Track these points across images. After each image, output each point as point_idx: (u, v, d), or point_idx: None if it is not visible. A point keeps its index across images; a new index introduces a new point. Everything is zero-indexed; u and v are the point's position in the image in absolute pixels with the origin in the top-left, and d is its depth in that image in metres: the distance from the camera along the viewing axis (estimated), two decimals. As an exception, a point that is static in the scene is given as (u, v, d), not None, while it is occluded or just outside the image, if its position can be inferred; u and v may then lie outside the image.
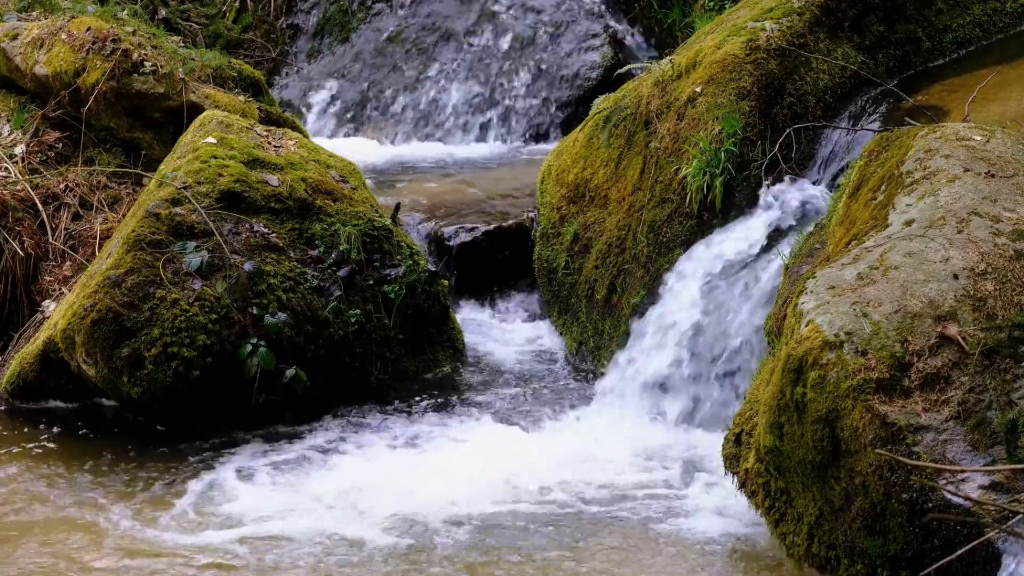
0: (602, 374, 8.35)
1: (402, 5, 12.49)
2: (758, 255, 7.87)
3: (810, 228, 7.60)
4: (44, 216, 9.07)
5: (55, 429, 8.12)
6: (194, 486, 7.43)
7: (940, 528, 5.71)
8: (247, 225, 8.32)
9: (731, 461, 6.89)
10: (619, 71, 9.93)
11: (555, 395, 8.38)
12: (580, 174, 8.93)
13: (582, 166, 8.93)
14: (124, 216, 8.84)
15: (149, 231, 8.14)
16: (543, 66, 11.78)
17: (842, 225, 6.96)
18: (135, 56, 9.34)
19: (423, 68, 12.07)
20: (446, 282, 8.87)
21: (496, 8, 12.21)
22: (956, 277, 6.18)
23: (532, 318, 9.26)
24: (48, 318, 8.60)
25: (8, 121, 9.65)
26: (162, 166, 8.67)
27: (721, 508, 7.01)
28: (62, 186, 9.23)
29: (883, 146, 7.11)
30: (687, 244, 8.20)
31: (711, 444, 7.41)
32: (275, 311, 8.10)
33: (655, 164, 8.42)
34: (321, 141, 10.34)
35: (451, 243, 9.40)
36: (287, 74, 12.46)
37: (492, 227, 9.49)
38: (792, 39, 8.34)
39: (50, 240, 9.02)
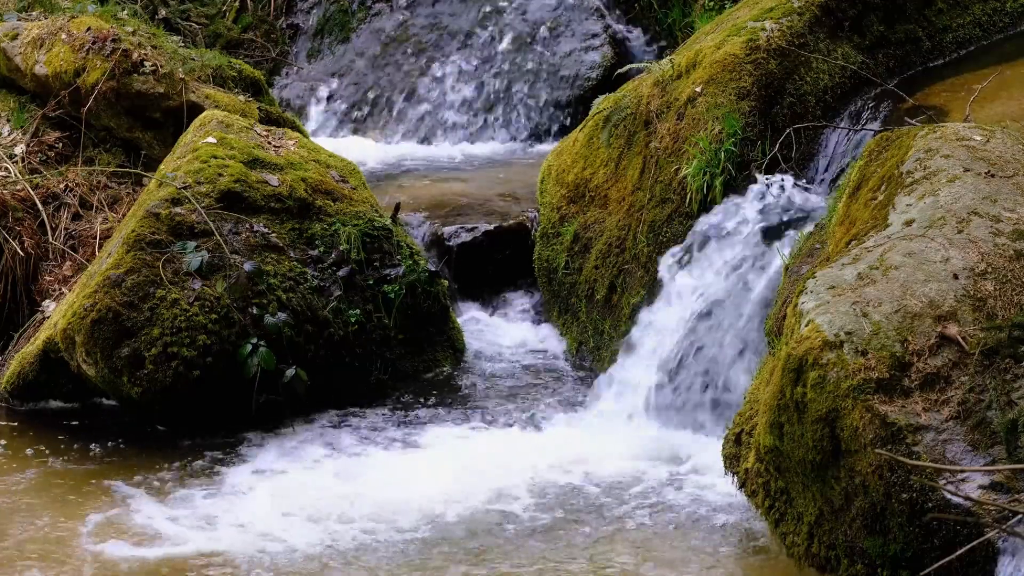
0: (602, 374, 8.34)
1: (402, 5, 12.48)
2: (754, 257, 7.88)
3: (809, 227, 7.60)
4: (44, 216, 9.07)
5: (55, 429, 8.12)
6: (193, 486, 7.45)
7: (940, 528, 5.71)
8: (247, 225, 8.32)
9: (731, 461, 6.89)
10: (619, 71, 9.91)
11: (555, 395, 8.38)
12: (580, 174, 8.93)
13: (582, 166, 8.93)
14: (124, 216, 8.83)
15: (149, 231, 8.14)
16: (543, 66, 11.78)
17: (842, 225, 6.96)
18: (135, 56, 9.33)
19: (423, 68, 12.06)
20: (446, 282, 8.87)
21: (496, 8, 12.20)
22: (956, 277, 6.18)
23: (532, 318, 9.26)
24: (48, 318, 8.60)
25: (8, 121, 9.64)
26: (162, 166, 8.67)
27: (720, 508, 7.01)
28: (62, 186, 9.22)
29: (883, 146, 7.11)
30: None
31: (710, 444, 7.41)
32: (275, 311, 8.10)
33: (655, 164, 8.41)
34: (321, 141, 10.34)
35: (451, 243, 9.40)
36: (287, 74, 12.46)
37: (492, 227, 9.49)
38: (792, 39, 8.34)
39: (50, 240, 9.02)
